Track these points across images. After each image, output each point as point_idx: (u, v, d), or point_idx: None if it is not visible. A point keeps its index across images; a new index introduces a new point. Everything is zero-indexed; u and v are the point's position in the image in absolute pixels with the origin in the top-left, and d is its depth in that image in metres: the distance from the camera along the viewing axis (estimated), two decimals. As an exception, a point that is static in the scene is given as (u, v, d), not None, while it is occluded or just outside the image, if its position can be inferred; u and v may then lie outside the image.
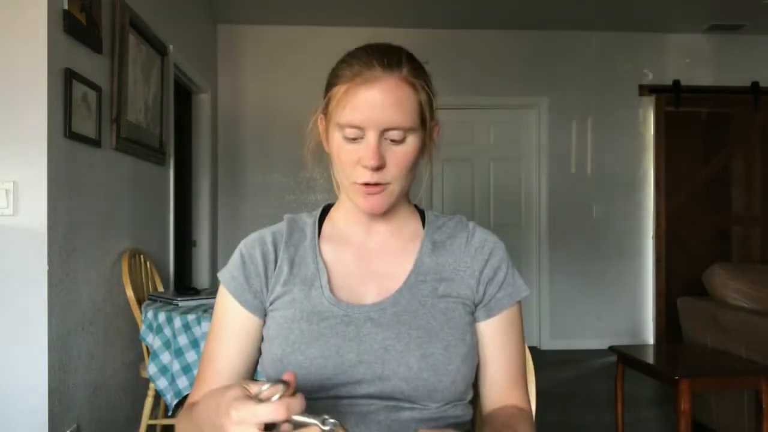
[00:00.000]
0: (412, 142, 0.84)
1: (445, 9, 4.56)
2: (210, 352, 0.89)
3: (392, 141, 0.83)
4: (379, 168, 0.82)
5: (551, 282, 5.06)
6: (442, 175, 5.09)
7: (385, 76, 0.82)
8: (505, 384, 0.90)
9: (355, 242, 0.92)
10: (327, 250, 0.92)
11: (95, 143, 2.34)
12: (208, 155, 4.47)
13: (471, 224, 0.94)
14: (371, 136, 0.81)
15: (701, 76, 5.09)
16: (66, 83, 2.08)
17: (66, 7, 2.05)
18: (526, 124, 5.14)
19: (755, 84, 5.05)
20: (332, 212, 0.96)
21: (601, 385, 3.93)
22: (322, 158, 0.92)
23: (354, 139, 0.83)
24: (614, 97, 5.06)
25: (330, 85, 0.87)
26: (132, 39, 2.68)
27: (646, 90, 5.06)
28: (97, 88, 2.34)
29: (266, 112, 4.84)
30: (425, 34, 4.80)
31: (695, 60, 5.11)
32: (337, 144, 0.85)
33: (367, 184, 0.83)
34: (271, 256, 0.91)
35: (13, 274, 1.96)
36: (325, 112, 0.88)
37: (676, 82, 5.02)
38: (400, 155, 0.83)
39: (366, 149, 0.82)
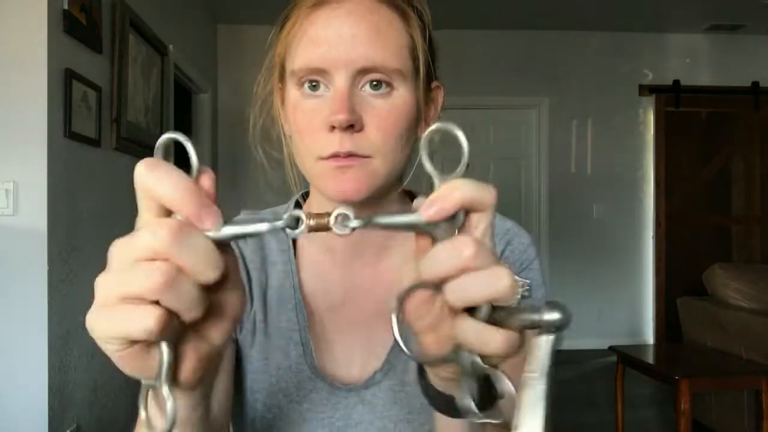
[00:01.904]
0: (402, 95, 0.59)
1: (445, 9, 4.56)
2: None
3: (373, 90, 0.58)
4: (352, 126, 0.56)
5: (551, 282, 5.06)
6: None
7: None
8: None
9: (339, 266, 0.68)
10: (307, 280, 0.68)
11: (95, 143, 2.34)
12: (208, 155, 4.47)
13: None
14: (340, 80, 0.57)
15: (701, 76, 5.08)
16: (66, 83, 2.08)
17: (66, 7, 2.05)
18: (526, 124, 5.14)
19: (755, 84, 5.05)
20: (305, 210, 0.69)
21: (601, 385, 3.92)
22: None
23: (316, 93, 0.59)
24: (614, 97, 5.06)
25: (281, 27, 0.63)
26: (132, 39, 2.68)
27: (646, 90, 5.06)
28: (97, 88, 2.34)
29: (266, 111, 4.83)
30: (425, 34, 4.78)
31: (695, 60, 5.11)
32: (294, 104, 0.61)
33: (336, 156, 0.57)
34: (243, 275, 0.67)
35: (13, 274, 1.96)
36: (280, 74, 0.65)
37: (676, 82, 5.02)
38: (385, 113, 0.58)
39: (332, 99, 0.57)
